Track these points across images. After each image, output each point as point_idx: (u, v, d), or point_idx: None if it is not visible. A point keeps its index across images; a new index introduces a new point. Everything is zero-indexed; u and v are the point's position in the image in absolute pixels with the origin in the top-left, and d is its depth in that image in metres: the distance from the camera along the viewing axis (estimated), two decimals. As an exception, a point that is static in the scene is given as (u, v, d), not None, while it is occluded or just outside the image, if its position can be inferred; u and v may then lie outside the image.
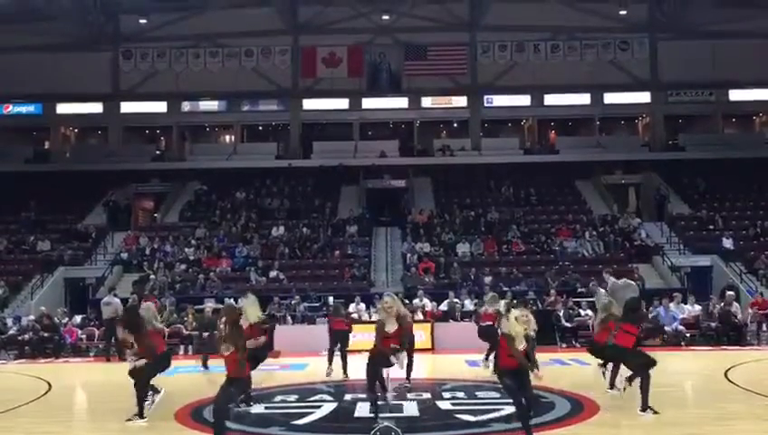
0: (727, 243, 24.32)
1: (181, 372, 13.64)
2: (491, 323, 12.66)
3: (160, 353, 9.71)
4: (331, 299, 20.60)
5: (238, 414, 9.29)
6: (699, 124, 34.78)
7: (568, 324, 18.20)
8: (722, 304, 18.65)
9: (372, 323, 16.72)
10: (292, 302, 20.42)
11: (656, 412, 9.03)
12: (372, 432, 7.28)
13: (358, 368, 12.31)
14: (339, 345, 12.93)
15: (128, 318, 10.20)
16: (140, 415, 9.28)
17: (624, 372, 10.12)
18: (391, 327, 9.42)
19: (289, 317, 19.48)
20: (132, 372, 9.40)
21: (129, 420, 9.28)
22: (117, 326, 10.52)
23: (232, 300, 20.53)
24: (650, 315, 18.41)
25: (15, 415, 10.23)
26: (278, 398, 10.70)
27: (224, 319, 8.35)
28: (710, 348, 17.20)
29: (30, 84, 31.76)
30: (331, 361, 12.92)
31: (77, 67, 31.90)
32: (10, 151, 32.69)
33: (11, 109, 33.67)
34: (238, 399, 8.91)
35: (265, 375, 12.39)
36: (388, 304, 9.48)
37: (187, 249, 24.89)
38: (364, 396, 10.28)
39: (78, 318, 20.00)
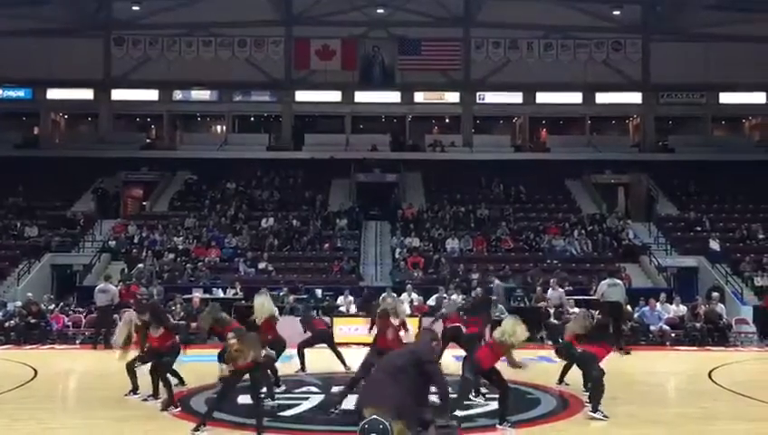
0: (714, 244, 24.48)
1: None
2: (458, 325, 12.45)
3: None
4: (319, 292, 20.63)
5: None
6: (689, 126, 34.97)
7: (556, 322, 18.29)
8: (707, 304, 18.81)
9: (358, 316, 16.89)
10: (281, 294, 20.36)
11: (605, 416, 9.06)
12: (361, 425, 7.31)
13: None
14: (326, 344, 12.88)
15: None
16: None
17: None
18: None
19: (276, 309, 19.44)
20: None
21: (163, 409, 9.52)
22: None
23: (220, 291, 20.68)
24: (635, 315, 18.60)
25: (0, 401, 10.21)
26: (265, 389, 10.70)
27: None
28: (694, 348, 17.35)
29: (20, 69, 31.44)
30: (302, 360, 12.60)
31: (68, 52, 31.61)
32: (-1, 136, 32.45)
33: (0, 93, 33.36)
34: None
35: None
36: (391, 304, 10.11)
37: (175, 238, 24.80)
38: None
39: (59, 305, 19.72)
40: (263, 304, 11.06)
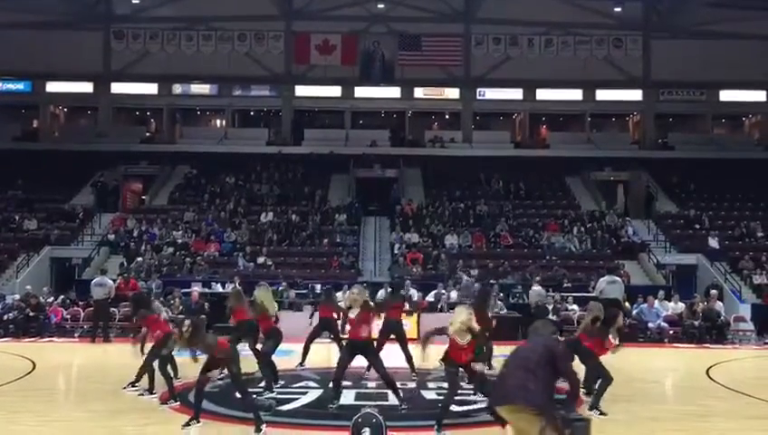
0: (713, 242, 24.51)
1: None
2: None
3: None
4: (318, 287, 20.58)
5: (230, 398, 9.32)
6: (689, 124, 34.98)
7: (554, 318, 18.29)
8: (706, 302, 18.82)
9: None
10: (280, 288, 20.37)
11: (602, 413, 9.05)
12: (354, 419, 7.34)
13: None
14: (328, 334, 12.85)
15: None
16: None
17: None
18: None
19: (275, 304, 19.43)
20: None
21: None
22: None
23: (219, 286, 20.65)
24: (633, 312, 18.61)
25: (-1, 393, 10.23)
26: (263, 383, 10.71)
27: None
28: (692, 346, 17.37)
29: (20, 61, 31.40)
30: (305, 355, 12.68)
31: (68, 45, 31.56)
32: (-2, 129, 32.40)
33: (0, 86, 33.32)
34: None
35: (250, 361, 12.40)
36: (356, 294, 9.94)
37: (174, 232, 24.80)
38: (350, 383, 10.37)
39: (59, 298, 19.71)
40: (265, 296, 11.18)
